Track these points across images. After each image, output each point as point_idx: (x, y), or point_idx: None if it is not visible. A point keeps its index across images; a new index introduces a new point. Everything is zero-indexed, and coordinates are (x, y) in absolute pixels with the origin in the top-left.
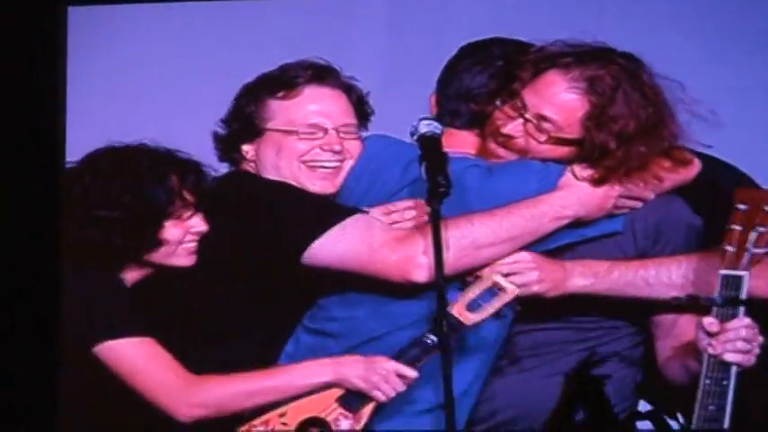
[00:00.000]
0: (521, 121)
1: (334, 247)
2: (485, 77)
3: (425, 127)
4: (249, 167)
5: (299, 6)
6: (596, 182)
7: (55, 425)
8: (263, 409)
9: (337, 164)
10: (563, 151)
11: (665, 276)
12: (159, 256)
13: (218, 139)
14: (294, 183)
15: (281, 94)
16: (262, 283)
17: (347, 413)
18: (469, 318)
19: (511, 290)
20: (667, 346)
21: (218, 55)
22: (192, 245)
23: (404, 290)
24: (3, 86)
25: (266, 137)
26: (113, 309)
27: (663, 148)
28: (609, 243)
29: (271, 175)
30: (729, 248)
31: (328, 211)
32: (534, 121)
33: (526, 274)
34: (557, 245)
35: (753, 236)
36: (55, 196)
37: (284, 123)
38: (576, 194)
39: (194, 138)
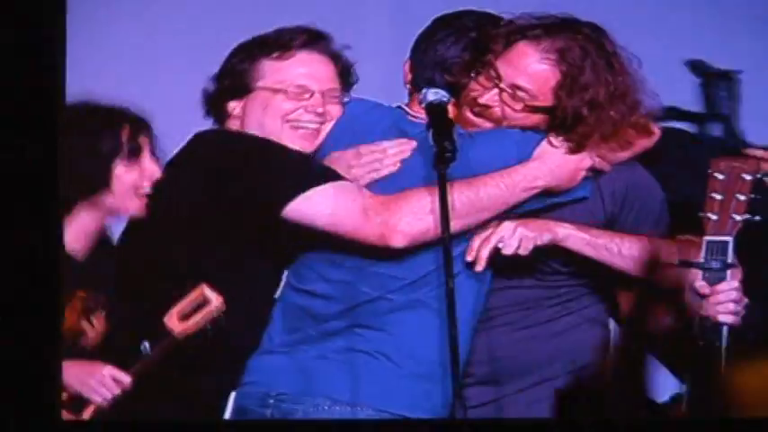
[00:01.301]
0: (496, 90)
1: (320, 204)
2: (458, 49)
3: (433, 95)
4: (233, 124)
5: None
6: (573, 149)
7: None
8: None
9: (317, 125)
10: (537, 118)
11: (636, 252)
12: (114, 200)
13: (206, 94)
14: (276, 140)
15: (275, 55)
16: (241, 237)
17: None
18: (179, 326)
19: (215, 302)
20: (630, 298)
21: (220, 36)
22: (146, 191)
23: (389, 253)
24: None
25: (254, 95)
26: None
27: (632, 114)
28: (579, 208)
29: (254, 131)
30: (712, 216)
31: (316, 169)
32: (509, 90)
33: (520, 237)
34: (524, 210)
35: (734, 203)
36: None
37: (274, 82)
38: (548, 166)
39: (196, 119)
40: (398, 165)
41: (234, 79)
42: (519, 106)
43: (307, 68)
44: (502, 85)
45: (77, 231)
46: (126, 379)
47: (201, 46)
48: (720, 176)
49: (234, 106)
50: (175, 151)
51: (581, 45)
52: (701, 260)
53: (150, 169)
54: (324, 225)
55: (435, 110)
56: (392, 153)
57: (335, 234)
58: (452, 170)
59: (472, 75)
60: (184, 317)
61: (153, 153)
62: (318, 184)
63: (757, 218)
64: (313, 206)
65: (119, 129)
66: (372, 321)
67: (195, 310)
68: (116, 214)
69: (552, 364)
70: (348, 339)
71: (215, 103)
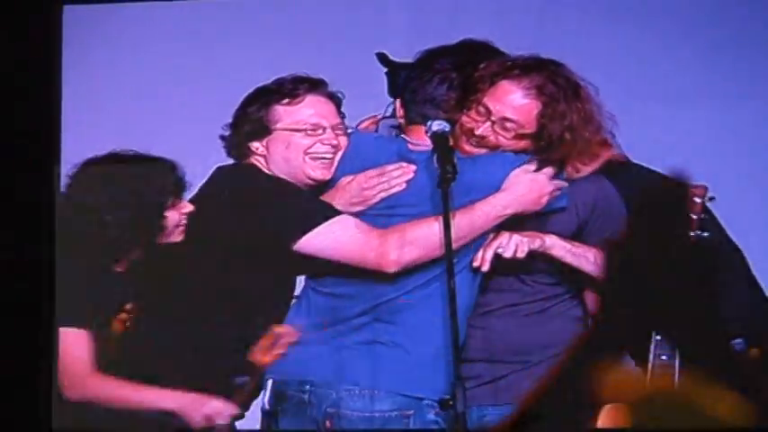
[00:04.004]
0: (489, 123)
1: (323, 240)
2: (444, 87)
3: (437, 126)
4: (256, 160)
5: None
6: (558, 165)
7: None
8: None
9: (332, 155)
10: (525, 143)
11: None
12: (161, 239)
13: (227, 139)
14: (300, 171)
15: (285, 102)
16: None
17: None
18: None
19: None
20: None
21: (213, 54)
22: (184, 223)
23: None
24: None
25: (276, 135)
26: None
27: (598, 133)
28: (558, 218)
29: (279, 165)
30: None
31: (320, 209)
32: (500, 122)
33: (516, 242)
34: None
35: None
36: (50, 195)
37: (291, 123)
38: (514, 195)
39: (191, 137)
40: (404, 185)
41: (253, 125)
42: (510, 135)
43: (316, 109)
44: (493, 119)
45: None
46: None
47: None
48: (698, 200)
49: (257, 146)
50: (201, 183)
51: (553, 80)
52: None
53: (185, 206)
54: (329, 257)
55: (439, 138)
56: (397, 175)
57: (340, 263)
58: (458, 190)
59: (465, 111)
60: (264, 351)
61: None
62: (322, 222)
63: (706, 234)
64: (318, 243)
65: (165, 178)
66: (389, 317)
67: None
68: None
69: (535, 349)
70: (369, 333)
71: (237, 145)
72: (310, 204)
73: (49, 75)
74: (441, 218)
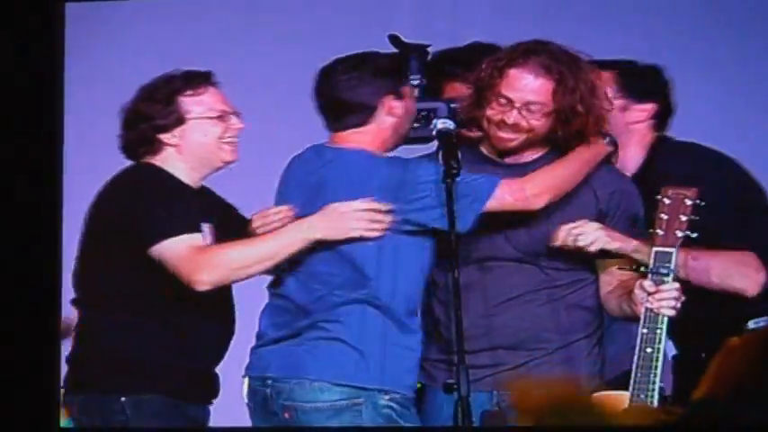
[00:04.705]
0: (515, 111)
1: (165, 249)
2: (337, 94)
3: (441, 124)
4: (167, 150)
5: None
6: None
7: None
8: None
9: (237, 139)
10: (552, 120)
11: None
12: None
13: (129, 136)
14: (215, 156)
15: (189, 93)
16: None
17: None
18: None
19: None
20: (608, 282)
21: (216, 51)
22: None
23: (323, 255)
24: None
25: (190, 124)
26: None
27: (606, 101)
28: (575, 203)
29: (195, 151)
30: (659, 231)
31: (192, 219)
32: (524, 107)
33: (596, 236)
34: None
35: (677, 222)
36: (50, 195)
37: (205, 112)
38: (313, 220)
39: None
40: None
41: (165, 118)
42: (537, 116)
43: (219, 98)
44: (517, 105)
45: None
46: None
47: None
48: (667, 201)
49: (168, 137)
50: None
51: (555, 58)
52: (651, 266)
53: None
54: (165, 264)
55: (443, 136)
56: (275, 219)
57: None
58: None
59: (486, 106)
60: None
61: None
62: (169, 237)
63: (694, 234)
64: (161, 250)
65: None
66: (328, 315)
67: None
68: None
69: (555, 336)
70: (316, 330)
71: (149, 139)
72: (183, 212)
73: (50, 75)
74: (252, 240)
